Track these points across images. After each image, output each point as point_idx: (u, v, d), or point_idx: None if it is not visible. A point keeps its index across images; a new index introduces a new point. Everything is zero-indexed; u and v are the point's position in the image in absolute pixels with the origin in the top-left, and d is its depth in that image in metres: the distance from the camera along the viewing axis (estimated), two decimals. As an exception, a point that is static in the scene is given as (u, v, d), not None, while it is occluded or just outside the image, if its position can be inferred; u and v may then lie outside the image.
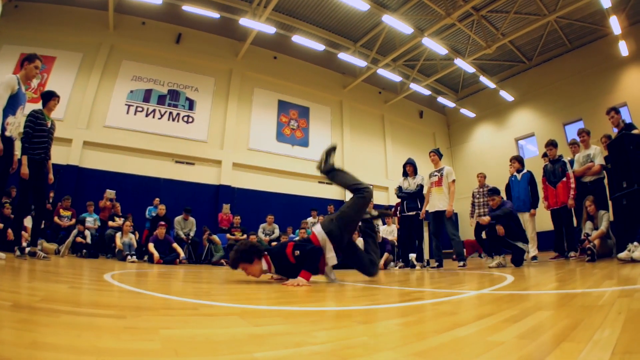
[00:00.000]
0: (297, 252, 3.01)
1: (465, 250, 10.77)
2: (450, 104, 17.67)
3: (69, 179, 10.25)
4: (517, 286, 2.51)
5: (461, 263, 5.96)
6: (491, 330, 1.09)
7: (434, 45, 12.99)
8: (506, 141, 16.26)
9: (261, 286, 2.68)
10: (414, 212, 6.50)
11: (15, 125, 3.93)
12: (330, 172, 3.58)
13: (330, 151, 3.61)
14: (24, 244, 4.51)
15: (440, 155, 6.65)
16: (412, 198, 6.52)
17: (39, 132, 4.50)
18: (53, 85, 10.87)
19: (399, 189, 6.81)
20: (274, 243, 9.21)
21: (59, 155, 9.89)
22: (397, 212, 7.28)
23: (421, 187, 6.59)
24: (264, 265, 3.10)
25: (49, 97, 4.73)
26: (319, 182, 14.39)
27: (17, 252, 4.31)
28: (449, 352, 0.88)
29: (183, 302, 1.79)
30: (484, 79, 15.59)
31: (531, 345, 0.89)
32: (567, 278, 2.98)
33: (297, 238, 9.19)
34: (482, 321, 1.24)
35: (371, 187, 3.47)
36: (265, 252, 3.15)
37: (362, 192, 3.36)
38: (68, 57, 11.47)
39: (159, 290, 2.27)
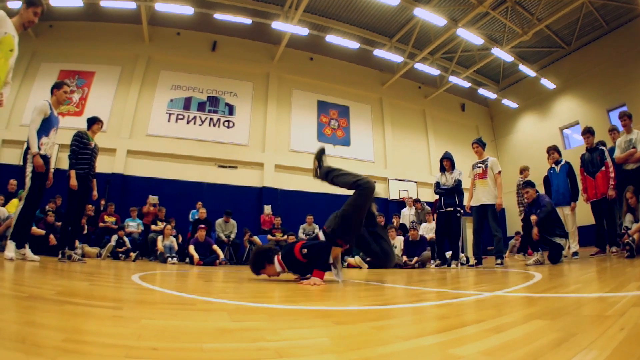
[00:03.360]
0: (305, 251, 3.05)
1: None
2: (492, 95, 17.19)
3: (114, 186, 11.20)
4: (537, 288, 2.43)
5: (499, 261, 5.77)
6: (465, 340, 1.06)
7: (470, 36, 12.78)
8: (551, 131, 15.61)
9: (280, 285, 2.78)
10: (452, 209, 6.37)
11: (50, 145, 4.48)
12: (328, 176, 3.51)
13: (321, 155, 3.61)
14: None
15: (483, 145, 6.49)
16: (450, 194, 6.46)
17: (83, 151, 5.13)
18: (94, 99, 12.00)
19: (437, 184, 6.71)
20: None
21: (104, 164, 10.85)
22: (435, 209, 7.14)
23: (459, 182, 6.45)
24: (278, 267, 3.18)
25: (92, 122, 5.37)
26: (362, 181, 14.37)
27: (60, 256, 4.83)
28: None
29: (186, 298, 1.95)
30: (523, 68, 15.11)
31: (489, 366, 0.84)
32: (595, 278, 2.84)
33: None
34: (466, 329, 1.22)
35: (373, 182, 3.28)
36: (278, 254, 3.22)
37: (361, 188, 3.16)
38: (107, 70, 12.50)
39: (175, 288, 2.47)
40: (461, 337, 1.10)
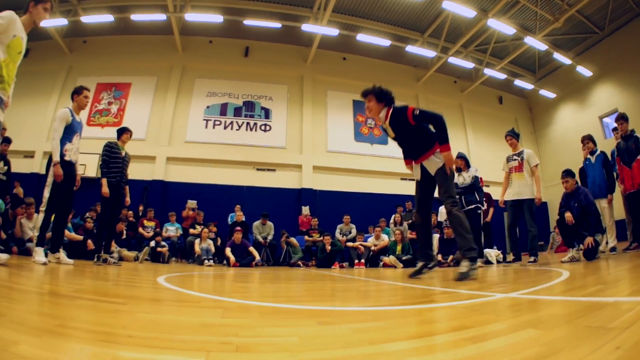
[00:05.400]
0: (417, 112, 3.37)
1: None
2: (528, 85, 16.67)
3: (155, 192, 11.90)
4: (556, 289, 2.33)
5: (532, 259, 5.60)
6: (433, 348, 1.03)
7: (501, 26, 12.53)
8: (590, 120, 14.90)
9: (302, 286, 2.85)
10: (474, 206, 6.28)
11: (74, 151, 4.66)
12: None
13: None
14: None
15: (517, 137, 6.38)
16: (470, 192, 6.43)
17: (114, 160, 5.50)
18: (131, 109, 12.83)
19: (455, 185, 6.61)
20: (349, 243, 9.40)
21: (144, 171, 11.69)
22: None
23: (476, 178, 6.49)
24: (383, 113, 3.56)
25: (121, 132, 5.75)
26: (401, 178, 14.31)
27: (95, 259, 5.21)
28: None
29: (195, 297, 2.15)
30: (558, 56, 14.55)
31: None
32: (622, 277, 2.70)
33: (371, 238, 9.33)
34: (445, 335, 1.19)
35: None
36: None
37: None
38: (143, 81, 13.33)
39: (192, 288, 2.69)
40: (433, 344, 1.08)
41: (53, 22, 11.53)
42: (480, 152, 15.08)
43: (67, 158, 4.52)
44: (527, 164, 6.04)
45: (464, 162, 6.64)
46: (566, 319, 1.39)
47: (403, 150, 3.88)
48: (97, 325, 1.15)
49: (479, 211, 6.42)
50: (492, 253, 6.87)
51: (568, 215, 5.05)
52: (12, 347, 0.82)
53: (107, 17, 11.78)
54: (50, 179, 4.41)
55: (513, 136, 6.31)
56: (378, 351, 0.98)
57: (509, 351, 0.98)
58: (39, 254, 4.18)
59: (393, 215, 10.38)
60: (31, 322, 1.08)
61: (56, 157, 4.36)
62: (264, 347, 1.00)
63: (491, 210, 6.94)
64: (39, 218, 4.44)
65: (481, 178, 7.05)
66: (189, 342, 1.02)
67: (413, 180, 12.94)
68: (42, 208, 4.45)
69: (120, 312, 1.40)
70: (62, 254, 4.63)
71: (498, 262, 6.48)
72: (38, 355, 0.80)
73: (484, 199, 6.64)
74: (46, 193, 4.42)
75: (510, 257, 6.19)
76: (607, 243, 5.81)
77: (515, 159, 6.18)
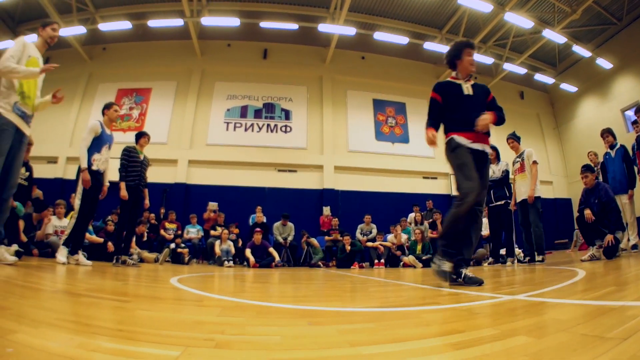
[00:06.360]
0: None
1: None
2: (549, 80, 16.18)
3: (177, 195, 12.21)
4: (566, 291, 2.26)
5: (540, 257, 5.47)
6: (412, 353, 1.01)
7: (519, 20, 12.29)
8: (612, 114, 14.33)
9: (310, 286, 2.88)
10: (503, 202, 6.17)
11: (102, 161, 4.96)
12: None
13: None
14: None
15: (518, 139, 6.38)
16: (499, 186, 6.32)
17: (132, 164, 5.71)
18: (152, 114, 13.24)
19: None
20: (369, 243, 9.40)
21: (166, 174, 12.07)
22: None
23: (507, 172, 6.34)
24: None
25: (139, 136, 5.97)
26: (424, 177, 14.20)
27: (114, 261, 5.45)
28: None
29: (200, 296, 2.25)
30: (577, 48, 14.16)
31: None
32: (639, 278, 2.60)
33: (390, 236, 9.29)
34: (431, 339, 1.17)
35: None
36: None
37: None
38: (163, 86, 13.73)
39: (201, 288, 2.79)
40: (412, 349, 1.06)
41: (72, 31, 11.99)
42: (502, 149, 14.78)
43: (94, 167, 4.83)
44: (527, 162, 6.02)
45: (495, 154, 6.45)
46: (564, 326, 1.30)
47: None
48: (93, 319, 1.24)
49: (509, 207, 6.29)
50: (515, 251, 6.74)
51: (587, 212, 4.94)
52: (9, 335, 0.93)
53: (125, 24, 12.15)
54: (80, 188, 4.73)
55: (514, 139, 6.32)
56: (354, 353, 0.97)
57: (492, 360, 0.93)
58: (62, 253, 4.50)
59: (412, 215, 10.30)
60: (32, 315, 1.18)
61: (83, 164, 4.69)
62: (244, 344, 1.03)
63: (513, 208, 6.81)
64: (70, 224, 4.76)
65: None
66: (173, 337, 1.08)
67: (435, 178, 12.52)
68: (75, 215, 4.75)
69: (121, 308, 1.50)
70: (80, 256, 4.86)
71: (519, 261, 6.36)
72: (31, 343, 0.90)
73: None
74: (77, 201, 4.76)
75: (520, 256, 6.13)
76: (628, 240, 5.65)
77: (517, 161, 6.22)
